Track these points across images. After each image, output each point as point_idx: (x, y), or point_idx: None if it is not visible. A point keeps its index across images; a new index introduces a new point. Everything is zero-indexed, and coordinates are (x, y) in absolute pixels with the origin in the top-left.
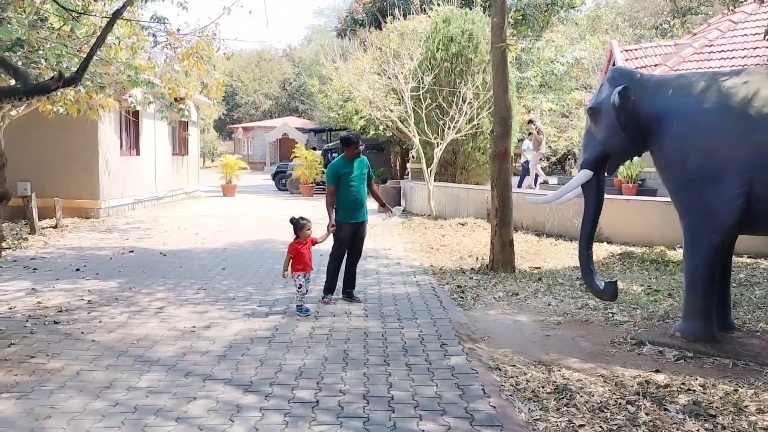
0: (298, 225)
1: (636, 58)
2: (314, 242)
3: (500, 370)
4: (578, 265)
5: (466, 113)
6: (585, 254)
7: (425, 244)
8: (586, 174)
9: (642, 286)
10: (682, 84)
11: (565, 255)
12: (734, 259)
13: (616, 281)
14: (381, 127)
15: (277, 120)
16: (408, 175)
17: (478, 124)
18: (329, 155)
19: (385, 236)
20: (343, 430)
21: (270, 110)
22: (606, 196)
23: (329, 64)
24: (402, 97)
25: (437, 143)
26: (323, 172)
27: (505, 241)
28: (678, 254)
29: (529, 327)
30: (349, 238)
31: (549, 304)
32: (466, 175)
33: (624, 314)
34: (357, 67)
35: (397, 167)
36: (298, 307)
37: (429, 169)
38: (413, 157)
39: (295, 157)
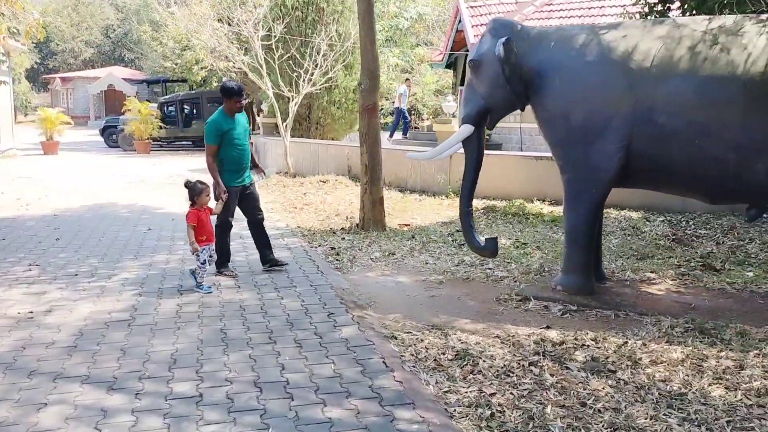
0: (195, 189)
1: (480, 15)
2: (210, 212)
3: (396, 338)
4: (446, 220)
5: (320, 66)
6: (465, 211)
7: (287, 204)
8: (468, 129)
9: (510, 239)
10: (563, 37)
11: (431, 211)
12: None
13: (497, 237)
14: (225, 79)
15: (101, 70)
16: (259, 130)
17: (333, 77)
18: (165, 108)
19: None
20: (239, 428)
21: (92, 59)
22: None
23: (163, 9)
24: (250, 46)
25: (292, 97)
26: (160, 127)
27: (375, 198)
28: (535, 207)
29: (413, 288)
30: (235, 204)
31: (427, 263)
32: (321, 131)
33: (501, 269)
34: (196, 12)
35: None
36: (198, 285)
37: (285, 124)
38: (263, 112)
39: (127, 110)
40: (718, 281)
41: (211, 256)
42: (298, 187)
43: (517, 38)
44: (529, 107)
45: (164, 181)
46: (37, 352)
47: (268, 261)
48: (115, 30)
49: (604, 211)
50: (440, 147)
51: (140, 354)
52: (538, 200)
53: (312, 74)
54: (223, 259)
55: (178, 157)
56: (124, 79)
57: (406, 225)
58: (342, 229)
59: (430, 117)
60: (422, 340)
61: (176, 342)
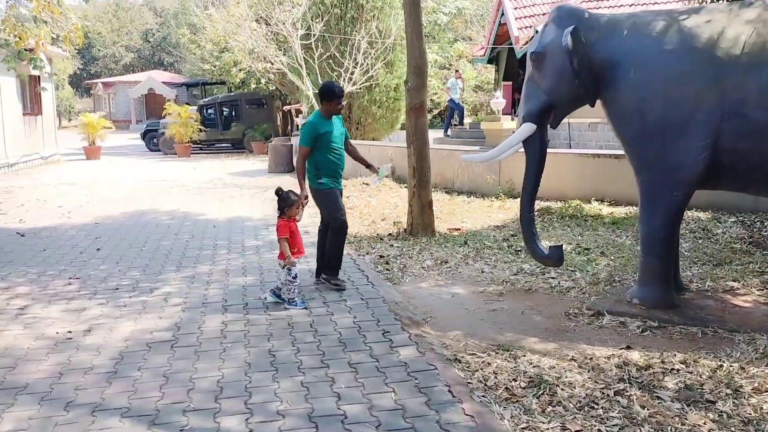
0: (288, 200)
1: (524, 7)
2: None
3: (460, 361)
4: (499, 224)
5: (361, 64)
6: (527, 216)
7: None
8: (529, 127)
9: (570, 244)
10: (636, 24)
11: (481, 213)
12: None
13: (562, 245)
14: (263, 80)
15: (140, 74)
16: (298, 132)
17: (374, 75)
18: (205, 111)
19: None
20: None
21: (132, 64)
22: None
23: (201, 11)
24: (290, 46)
25: None
26: (201, 130)
27: (424, 202)
28: (594, 208)
29: (471, 301)
30: (342, 204)
31: (482, 272)
32: (362, 131)
33: (565, 278)
34: (233, 14)
35: (278, 123)
36: (290, 301)
37: None
38: (302, 113)
39: (167, 114)
40: None
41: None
42: None
43: (585, 27)
44: (599, 103)
45: (205, 186)
46: (76, 379)
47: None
48: (154, 34)
49: None
50: (499, 147)
51: (184, 381)
52: (596, 200)
53: (352, 73)
54: (335, 265)
55: (218, 161)
56: (164, 83)
57: (457, 229)
58: (389, 235)
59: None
60: (489, 364)
61: (222, 366)
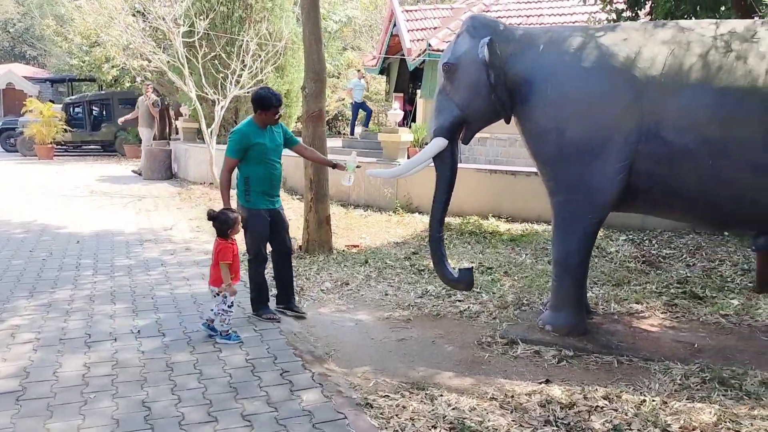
0: (230, 221)
1: (416, 20)
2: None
3: (372, 406)
4: (399, 240)
5: (249, 66)
6: (436, 237)
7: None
8: (441, 143)
9: (473, 263)
10: (553, 39)
11: (379, 229)
12: (536, 228)
13: (472, 268)
14: (138, 79)
15: None
16: (179, 135)
17: (263, 80)
18: (71, 109)
19: (160, 210)
20: None
21: None
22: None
23: (69, 1)
24: (170, 43)
25: (218, 100)
26: (66, 130)
27: (321, 217)
28: (492, 224)
29: (377, 329)
30: (267, 230)
31: (386, 294)
32: None
33: (472, 301)
34: (106, 5)
35: (156, 126)
36: (224, 334)
37: (210, 130)
38: (183, 115)
39: (27, 111)
40: (709, 312)
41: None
42: None
43: (501, 39)
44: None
45: (69, 193)
46: None
47: (287, 303)
48: (15, 24)
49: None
50: (409, 162)
51: None
52: (494, 216)
53: (240, 76)
54: (262, 299)
55: (86, 164)
56: (25, 78)
57: (355, 246)
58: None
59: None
60: (404, 408)
61: (82, 425)
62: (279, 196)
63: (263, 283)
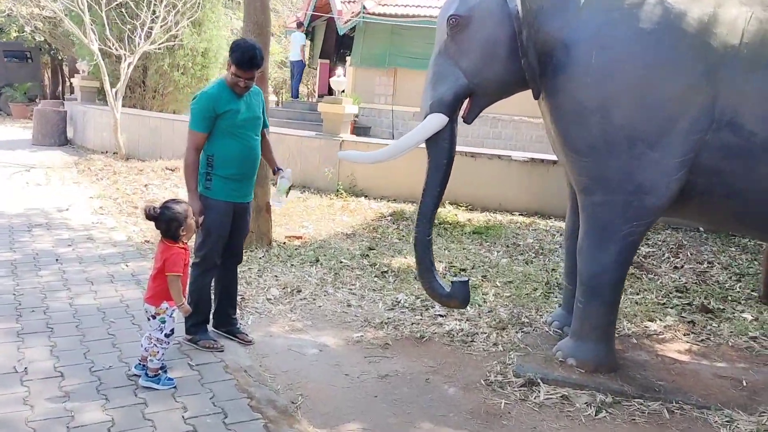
0: (179, 217)
1: None
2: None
3: None
4: (347, 231)
5: (162, 18)
6: (424, 240)
7: (124, 201)
8: (439, 120)
9: (441, 262)
10: None
11: (322, 215)
12: (500, 218)
13: (468, 280)
14: (28, 29)
15: None
16: (75, 95)
17: (177, 35)
18: None
19: (53, 185)
20: None
21: None
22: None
23: None
24: None
25: (124, 56)
26: None
27: (261, 204)
28: (450, 213)
29: (348, 358)
30: (226, 230)
31: (349, 305)
32: (160, 101)
33: (457, 316)
34: None
35: (46, 83)
36: (150, 374)
37: (115, 91)
38: (81, 72)
39: None
40: (734, 334)
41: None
42: (136, 175)
43: None
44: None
45: None
46: None
47: (229, 325)
48: None
49: (527, 222)
50: (396, 144)
51: None
52: (451, 204)
53: (151, 28)
54: (200, 319)
55: None
56: None
57: (297, 237)
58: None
59: (276, 92)
60: None
61: None
62: (252, 186)
63: (207, 298)
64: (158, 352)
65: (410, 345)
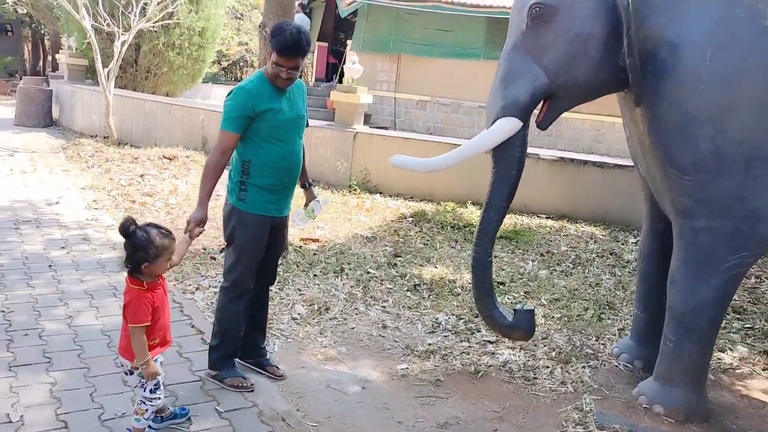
0: (146, 247)
1: None
2: (162, 278)
3: None
4: (367, 234)
5: None
6: (484, 262)
7: (120, 193)
8: (512, 124)
9: None
10: None
11: (337, 215)
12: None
13: (533, 309)
14: (9, 1)
15: None
16: (61, 72)
17: (174, 12)
18: None
19: (40, 172)
20: None
21: None
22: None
23: None
24: None
25: (118, 34)
26: None
27: None
28: (473, 214)
29: (396, 398)
30: (262, 249)
31: (385, 327)
32: (154, 82)
33: (508, 344)
34: None
35: (27, 57)
36: None
37: (107, 71)
38: (69, 48)
39: None
40: None
41: (162, 379)
42: (131, 163)
43: None
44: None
45: None
46: None
47: (258, 356)
48: None
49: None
50: (458, 152)
51: None
52: (473, 204)
53: (146, 4)
54: (227, 353)
55: None
56: None
57: (314, 240)
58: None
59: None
60: None
61: None
62: (291, 197)
63: (236, 329)
64: (146, 410)
65: (465, 381)
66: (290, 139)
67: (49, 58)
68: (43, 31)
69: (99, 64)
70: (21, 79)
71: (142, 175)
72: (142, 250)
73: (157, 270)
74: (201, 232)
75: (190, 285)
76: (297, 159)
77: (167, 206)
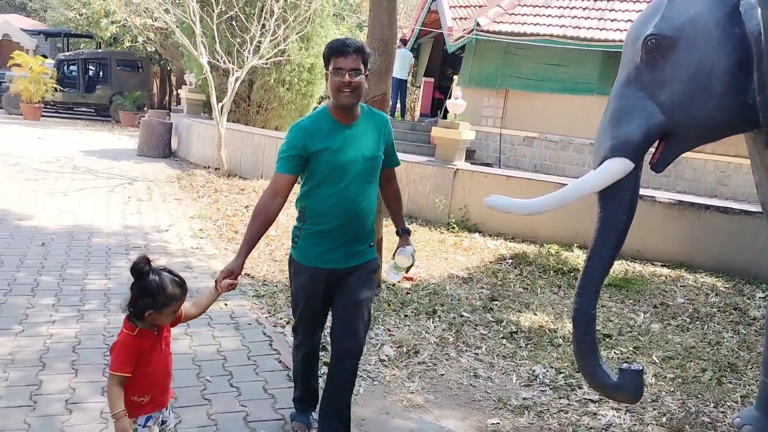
0: (152, 291)
1: None
2: (169, 331)
3: None
4: (463, 274)
5: (273, 33)
6: (587, 314)
7: (225, 223)
8: (622, 166)
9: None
10: None
11: (433, 253)
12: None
13: (642, 369)
14: (140, 39)
15: None
16: (181, 106)
17: (286, 50)
18: (65, 67)
19: (155, 200)
20: None
21: None
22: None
23: None
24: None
25: (232, 70)
26: (55, 89)
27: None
28: (578, 258)
29: None
30: (317, 303)
31: (476, 376)
32: (264, 117)
33: (613, 405)
34: None
35: (154, 92)
36: None
37: (221, 105)
38: (188, 84)
39: (13, 64)
40: None
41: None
42: (237, 194)
43: None
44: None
45: (47, 167)
46: None
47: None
48: None
49: (672, 276)
50: (561, 193)
51: None
52: (579, 248)
53: (260, 42)
54: (296, 396)
55: (74, 130)
56: (23, 30)
57: (409, 279)
58: None
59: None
60: None
61: None
62: (363, 247)
63: (303, 377)
64: None
65: None
66: (350, 183)
67: (175, 92)
68: (169, 68)
69: (213, 99)
70: (147, 112)
71: (246, 206)
72: (150, 297)
73: (160, 320)
74: (232, 286)
75: (281, 318)
76: (357, 206)
77: (267, 237)
